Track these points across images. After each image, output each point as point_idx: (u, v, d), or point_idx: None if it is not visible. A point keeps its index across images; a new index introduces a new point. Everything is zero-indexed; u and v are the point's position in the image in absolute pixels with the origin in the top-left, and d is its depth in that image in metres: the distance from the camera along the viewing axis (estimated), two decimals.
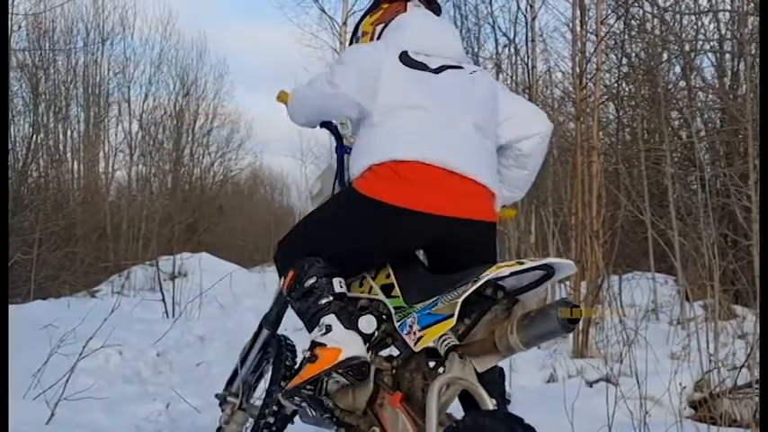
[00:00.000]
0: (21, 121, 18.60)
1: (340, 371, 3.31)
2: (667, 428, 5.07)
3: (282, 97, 4.06)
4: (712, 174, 9.36)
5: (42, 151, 19.43)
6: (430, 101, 3.43)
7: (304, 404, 3.51)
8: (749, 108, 6.82)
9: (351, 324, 3.38)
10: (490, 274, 2.98)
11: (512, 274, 3.02)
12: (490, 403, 3.08)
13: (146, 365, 7.39)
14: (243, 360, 4.36)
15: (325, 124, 4.04)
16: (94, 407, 5.38)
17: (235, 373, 4.41)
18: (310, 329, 3.46)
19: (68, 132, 22.23)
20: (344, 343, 3.32)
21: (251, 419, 4.23)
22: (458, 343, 3.19)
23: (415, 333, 3.16)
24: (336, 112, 3.77)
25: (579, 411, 4.55)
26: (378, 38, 3.83)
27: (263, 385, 4.31)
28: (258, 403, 4.27)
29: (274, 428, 4.02)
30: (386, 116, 3.42)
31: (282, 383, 3.95)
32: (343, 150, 4.06)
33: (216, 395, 4.45)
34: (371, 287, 3.57)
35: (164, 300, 11.39)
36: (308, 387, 3.39)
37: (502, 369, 3.56)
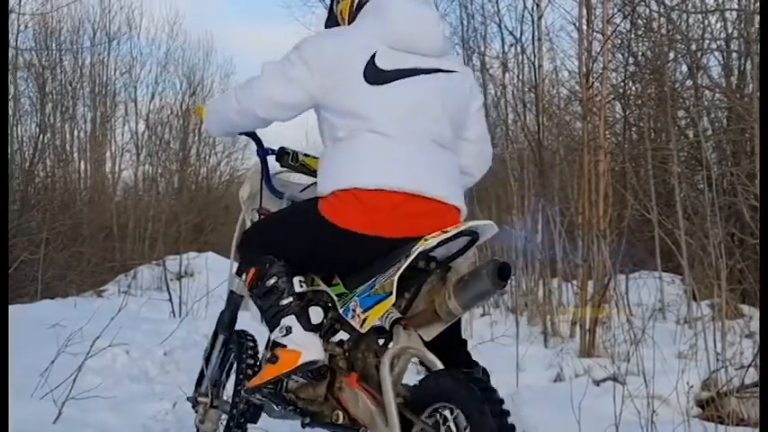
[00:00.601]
0: (28, 120, 18.65)
1: (300, 373, 3.51)
2: (675, 428, 5.06)
3: (198, 111, 4.15)
4: (719, 173, 9.34)
5: (49, 151, 19.45)
6: (394, 124, 3.41)
7: (266, 400, 3.68)
8: (756, 107, 6.80)
9: (310, 326, 3.48)
10: (420, 247, 3.17)
11: (439, 243, 3.21)
12: (439, 364, 3.27)
13: (153, 365, 7.39)
14: (206, 360, 4.50)
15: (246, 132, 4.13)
16: (102, 406, 5.38)
17: (201, 375, 4.54)
18: (271, 329, 3.58)
19: (75, 132, 22.26)
20: (304, 346, 3.43)
21: (224, 415, 4.33)
22: (400, 316, 3.40)
23: (359, 316, 3.35)
24: (262, 115, 3.68)
25: (586, 410, 4.55)
26: (357, 8, 3.73)
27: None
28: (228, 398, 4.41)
29: (247, 420, 4.18)
30: (354, 134, 3.42)
31: (249, 374, 4.11)
32: (264, 153, 4.20)
33: (187, 398, 4.58)
34: (313, 279, 3.72)
35: (170, 299, 11.39)
36: (269, 386, 3.58)
37: (485, 369, 3.64)
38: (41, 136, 18.21)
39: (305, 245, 3.56)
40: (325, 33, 3.77)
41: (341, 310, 3.49)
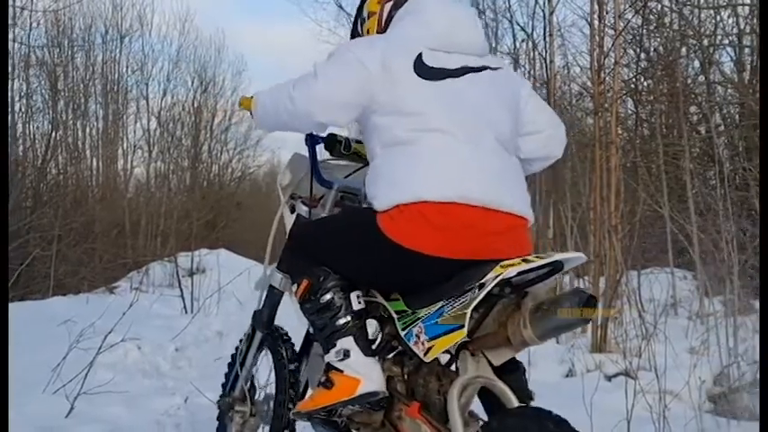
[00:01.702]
0: (40, 117, 18.68)
1: (358, 404, 3.23)
2: (687, 422, 5.06)
3: (244, 103, 3.83)
4: (732, 169, 9.32)
5: (61, 148, 19.50)
6: (452, 121, 3.13)
7: (316, 423, 3.43)
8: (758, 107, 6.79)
9: (370, 350, 3.24)
10: (497, 276, 2.86)
11: (518, 274, 2.90)
12: (514, 398, 3.00)
13: (164, 360, 7.41)
14: (241, 364, 4.15)
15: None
16: (114, 401, 5.39)
17: (235, 378, 4.19)
18: (326, 349, 3.31)
19: (87, 129, 22.31)
20: (364, 374, 3.19)
21: (262, 425, 4.06)
22: (468, 340, 3.06)
23: (423, 344, 3.05)
24: (322, 119, 3.39)
25: (598, 405, 4.54)
26: (386, 22, 3.53)
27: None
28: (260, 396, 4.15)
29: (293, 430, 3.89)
30: (411, 135, 3.13)
31: (291, 393, 3.85)
32: (313, 141, 3.90)
33: (218, 402, 4.24)
34: (369, 290, 3.42)
35: (182, 296, 11.41)
36: (322, 414, 3.30)
37: (522, 365, 3.35)
38: (54, 133, 18.26)
39: (362, 263, 3.27)
40: (367, 38, 3.56)
41: (402, 333, 3.17)
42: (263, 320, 4.02)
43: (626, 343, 7.54)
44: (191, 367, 7.35)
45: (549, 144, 3.60)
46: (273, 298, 3.99)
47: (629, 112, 12.37)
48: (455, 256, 3.02)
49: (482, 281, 2.88)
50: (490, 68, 3.38)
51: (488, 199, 3.05)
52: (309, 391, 3.67)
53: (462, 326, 2.87)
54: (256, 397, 4.17)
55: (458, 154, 3.10)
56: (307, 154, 3.93)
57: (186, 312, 10.89)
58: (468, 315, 2.86)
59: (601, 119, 9.06)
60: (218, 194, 28.75)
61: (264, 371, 4.13)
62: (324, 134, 3.92)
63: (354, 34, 3.76)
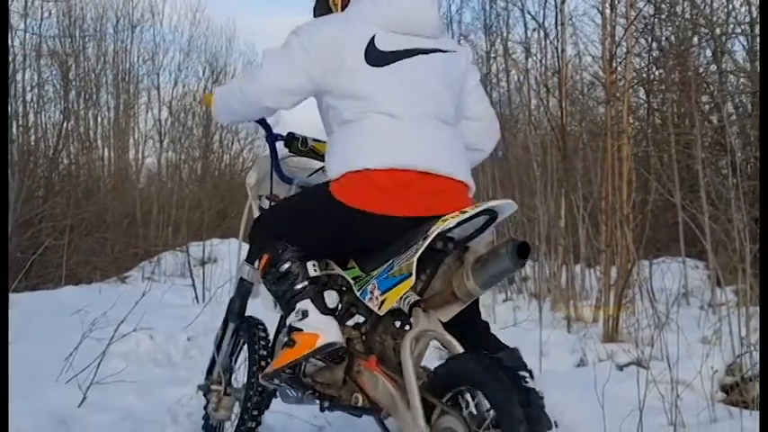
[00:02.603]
0: (52, 107, 18.70)
1: (318, 356, 3.53)
2: (699, 412, 5.06)
3: (206, 99, 4.11)
4: (743, 158, 9.30)
5: (73, 138, 19.53)
6: (397, 103, 3.46)
7: (284, 385, 3.69)
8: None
9: (326, 309, 3.53)
10: (438, 228, 3.16)
11: (458, 224, 3.21)
12: (459, 347, 3.27)
13: (176, 350, 7.41)
14: (218, 348, 4.51)
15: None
16: (126, 390, 5.41)
17: (212, 362, 4.55)
18: (287, 313, 3.60)
19: (99, 119, 22.35)
20: (321, 329, 3.46)
21: (238, 403, 4.37)
22: (419, 298, 3.38)
23: (377, 298, 3.36)
24: (268, 104, 3.71)
25: (609, 395, 4.54)
26: (344, 6, 3.77)
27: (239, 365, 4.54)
28: (240, 385, 4.43)
29: (262, 408, 4.21)
30: (360, 115, 3.46)
31: (262, 364, 4.11)
32: (273, 138, 4.25)
33: (198, 386, 4.59)
34: (327, 263, 3.73)
35: (194, 285, 11.42)
36: (287, 371, 3.59)
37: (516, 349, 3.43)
38: (65, 123, 18.27)
39: (318, 228, 3.58)
40: (322, 18, 3.79)
41: (358, 293, 3.50)
42: (235, 310, 4.39)
43: (638, 332, 7.53)
44: (202, 357, 7.34)
45: (480, 134, 3.94)
46: (243, 289, 4.34)
47: (641, 101, 12.34)
48: (397, 213, 3.35)
49: (425, 234, 3.19)
50: (441, 51, 3.65)
51: (424, 164, 3.39)
52: None
53: (410, 274, 3.18)
54: (233, 381, 4.51)
55: (398, 130, 3.43)
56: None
57: (198, 302, 10.90)
58: (415, 263, 3.16)
59: (612, 108, 9.04)
60: (230, 184, 28.68)
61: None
62: (283, 133, 4.30)
63: (317, 5, 4.00)
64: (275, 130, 4.34)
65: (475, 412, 3.01)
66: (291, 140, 4.27)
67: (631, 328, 7.86)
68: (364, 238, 3.47)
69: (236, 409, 4.38)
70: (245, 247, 4.27)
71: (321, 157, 4.17)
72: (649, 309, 7.89)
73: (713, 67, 10.98)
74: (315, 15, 3.96)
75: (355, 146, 3.44)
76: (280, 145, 4.31)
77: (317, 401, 3.67)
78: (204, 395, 4.53)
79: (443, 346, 3.47)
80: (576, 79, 12.63)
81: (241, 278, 4.33)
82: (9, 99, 15.33)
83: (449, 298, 3.32)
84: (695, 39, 10.87)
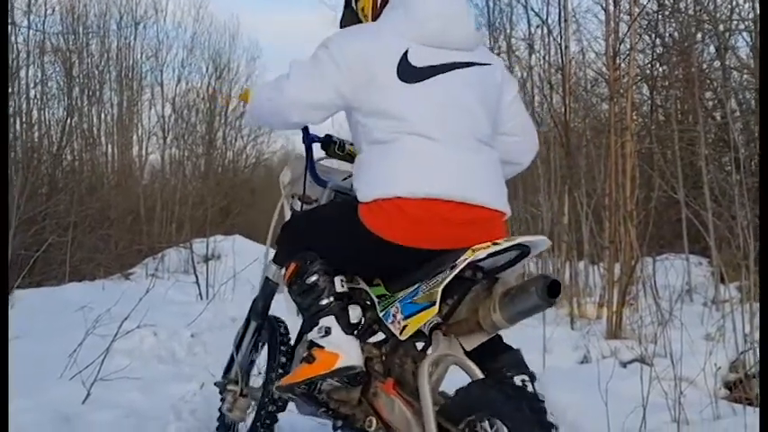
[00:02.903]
0: (55, 104, 18.70)
1: (336, 377, 3.43)
2: (702, 409, 5.06)
3: (243, 96, 3.90)
4: (747, 154, 9.28)
5: (77, 134, 19.51)
6: (431, 123, 3.27)
7: (297, 399, 3.62)
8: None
9: (350, 329, 3.43)
10: (467, 258, 3.06)
11: (488, 256, 3.10)
12: (479, 373, 3.14)
13: (180, 346, 7.42)
14: (237, 347, 4.42)
15: None
16: (130, 387, 5.41)
17: (231, 361, 4.46)
18: (309, 327, 3.51)
19: (102, 116, 22.38)
20: (343, 349, 3.38)
21: (253, 403, 4.29)
22: (441, 322, 3.25)
23: (399, 322, 3.28)
24: (295, 119, 3.57)
25: (613, 392, 4.54)
26: (382, 4, 3.59)
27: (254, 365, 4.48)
28: (256, 385, 4.35)
29: (277, 413, 4.11)
30: (392, 136, 3.28)
31: (280, 370, 4.02)
32: (310, 140, 4.05)
33: (215, 383, 4.52)
34: (353, 277, 3.62)
35: (197, 282, 11.45)
36: (302, 387, 3.49)
37: (518, 350, 3.53)
38: (69, 119, 18.26)
39: (345, 248, 3.47)
40: (353, 30, 3.59)
41: (381, 314, 3.41)
42: (258, 310, 4.31)
43: (641, 329, 7.53)
44: (206, 353, 7.36)
45: (518, 150, 3.74)
46: (268, 289, 4.25)
47: (645, 98, 12.33)
48: (430, 246, 3.23)
49: (454, 263, 3.09)
50: (478, 64, 3.47)
51: (460, 194, 3.23)
52: None
53: (434, 303, 3.09)
54: (251, 382, 4.42)
55: (433, 154, 3.26)
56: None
57: (201, 298, 10.93)
58: (439, 293, 3.07)
59: (616, 105, 9.03)
60: (233, 181, 28.77)
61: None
62: (320, 135, 4.10)
63: (346, 9, 3.84)
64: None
65: None
66: (329, 143, 4.09)
67: (635, 324, 7.86)
68: (391, 267, 3.39)
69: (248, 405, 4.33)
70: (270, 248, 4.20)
71: None
72: (653, 305, 7.89)
73: (717, 64, 10.97)
74: (341, 26, 3.80)
75: (386, 170, 3.27)
76: (316, 146, 4.12)
77: (330, 419, 3.60)
78: (220, 393, 4.47)
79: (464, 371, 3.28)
80: (579, 76, 12.63)
81: (267, 278, 4.23)
82: (12, 96, 15.35)
83: (474, 327, 3.23)
84: (699, 35, 10.87)
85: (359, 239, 3.32)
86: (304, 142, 4.05)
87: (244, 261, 11.57)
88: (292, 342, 4.13)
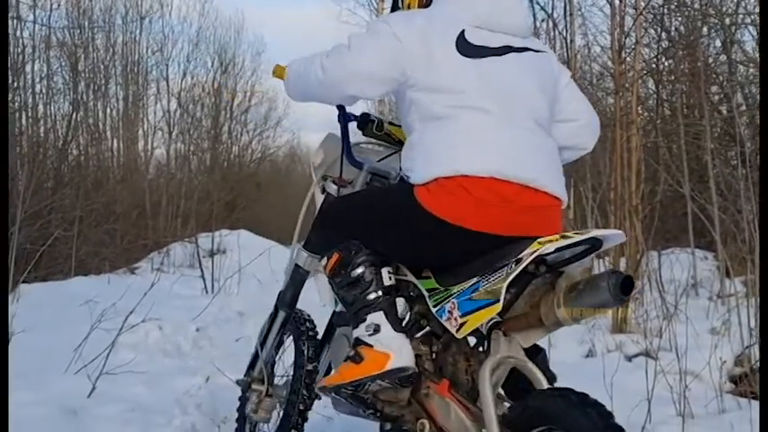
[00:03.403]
0: (61, 99, 18.71)
1: (387, 379, 3.19)
2: (707, 403, 5.07)
3: (278, 72, 3.76)
4: (753, 149, 9.27)
5: (82, 129, 19.50)
6: (492, 99, 3.13)
7: (341, 399, 3.39)
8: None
9: (400, 326, 3.23)
10: (535, 251, 2.84)
11: (556, 250, 2.88)
12: (544, 380, 2.99)
13: (185, 340, 7.43)
14: (262, 343, 4.14)
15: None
16: (135, 381, 5.42)
17: (255, 357, 4.20)
18: (354, 324, 3.30)
19: (108, 110, 22.36)
20: (394, 349, 3.17)
21: (278, 404, 4.09)
22: (500, 320, 3.06)
23: (456, 319, 3.03)
24: (351, 91, 3.38)
25: (618, 385, 4.54)
26: (424, 6, 3.48)
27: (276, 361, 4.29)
28: (280, 382, 4.19)
29: (305, 414, 3.93)
30: (450, 111, 3.13)
31: (308, 366, 3.89)
32: (346, 119, 3.86)
33: (237, 381, 4.27)
34: (398, 267, 3.42)
35: (203, 276, 11.47)
36: (349, 388, 3.27)
37: (543, 348, 3.37)
38: (74, 114, 18.26)
39: (398, 236, 3.26)
40: (408, 12, 3.50)
41: (434, 310, 3.16)
42: (287, 300, 4.02)
43: (647, 323, 7.52)
44: (212, 347, 7.38)
45: (580, 134, 3.61)
46: (298, 277, 3.96)
47: (650, 92, 12.31)
48: (492, 230, 3.02)
49: (519, 256, 2.87)
50: (532, 50, 3.37)
51: (525, 176, 3.06)
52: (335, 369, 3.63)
53: (497, 300, 2.86)
54: (276, 380, 4.18)
55: (496, 131, 3.11)
56: (340, 134, 3.89)
57: (207, 293, 10.94)
58: (504, 289, 2.84)
59: (621, 99, 9.03)
60: (238, 175, 28.80)
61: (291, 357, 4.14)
62: (357, 113, 3.91)
63: (395, 8, 3.74)
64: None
65: None
66: (366, 123, 3.90)
67: (640, 318, 7.85)
68: (450, 253, 3.15)
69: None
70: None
71: (396, 143, 3.88)
72: (658, 300, 7.89)
73: (723, 58, 10.95)
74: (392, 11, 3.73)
75: (446, 146, 3.11)
76: (352, 126, 3.91)
77: (377, 420, 3.41)
78: (243, 392, 4.22)
79: (526, 377, 3.07)
80: (585, 70, 12.60)
81: (297, 265, 3.94)
82: (18, 90, 15.36)
83: (534, 323, 3.03)
84: (705, 29, 10.85)
85: (414, 223, 3.14)
86: (340, 121, 3.85)
87: (249, 255, 11.59)
88: (319, 336, 4.01)
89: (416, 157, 3.19)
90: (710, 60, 11.11)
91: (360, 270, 3.27)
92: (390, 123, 3.93)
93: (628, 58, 9.25)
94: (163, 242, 17.06)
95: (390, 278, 3.31)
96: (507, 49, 3.28)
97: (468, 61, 3.18)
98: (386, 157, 3.93)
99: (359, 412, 3.42)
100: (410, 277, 3.38)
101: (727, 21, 10.05)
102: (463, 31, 3.22)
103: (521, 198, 3.05)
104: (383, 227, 3.31)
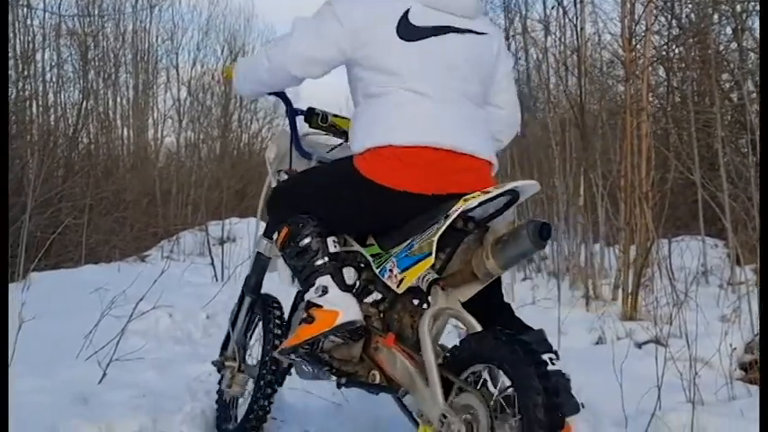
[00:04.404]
0: (71, 87, 18.75)
1: (338, 333, 3.48)
2: (717, 390, 5.06)
3: (227, 72, 4.13)
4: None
5: (92, 117, 19.56)
6: (425, 79, 3.43)
7: (299, 360, 3.65)
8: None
9: (346, 286, 3.53)
10: (459, 207, 3.16)
11: (480, 204, 3.20)
12: (477, 325, 3.26)
13: (196, 327, 7.43)
14: (233, 324, 4.50)
15: (275, 92, 4.14)
16: (145, 367, 5.43)
17: (227, 338, 4.55)
18: (305, 289, 3.59)
19: (118, 99, 22.38)
20: (341, 306, 3.45)
21: (251, 379, 4.37)
22: (438, 276, 3.37)
23: (396, 276, 3.36)
24: (296, 72, 3.64)
25: (628, 372, 4.55)
26: None
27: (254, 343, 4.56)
28: (254, 362, 4.45)
29: (275, 385, 4.20)
30: (385, 90, 3.44)
31: (276, 342, 4.10)
32: (293, 113, 4.21)
33: (212, 362, 4.60)
34: (345, 240, 3.71)
35: (213, 264, 11.47)
36: (305, 347, 3.53)
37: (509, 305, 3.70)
38: (84, 102, 18.31)
39: (340, 204, 3.57)
40: None
41: (377, 271, 3.49)
42: (251, 285, 4.41)
43: (656, 310, 7.52)
44: (221, 334, 7.33)
45: (500, 123, 3.84)
46: (260, 263, 4.36)
47: (661, 79, 12.28)
48: (422, 190, 3.33)
49: (447, 213, 3.19)
50: (474, 32, 3.59)
51: (449, 143, 3.38)
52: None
53: (430, 253, 3.18)
54: (248, 358, 4.51)
55: (424, 107, 3.41)
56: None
57: (217, 280, 10.94)
58: (435, 242, 3.17)
59: (632, 86, 9.00)
60: (248, 163, 28.72)
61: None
62: (303, 108, 4.25)
63: None
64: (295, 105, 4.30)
65: (493, 389, 3.04)
66: (312, 115, 4.22)
67: (650, 306, 7.85)
68: (387, 215, 3.46)
69: (250, 385, 4.39)
70: (263, 225, 4.27)
71: (341, 134, 4.19)
72: (668, 287, 7.88)
73: (733, 45, 10.92)
74: None
75: (381, 120, 3.42)
76: (300, 120, 4.26)
77: (334, 378, 3.64)
78: (218, 371, 4.56)
79: (462, 324, 3.45)
80: (595, 57, 12.56)
81: (258, 252, 4.33)
82: (29, 79, 15.40)
83: (468, 278, 3.31)
84: (715, 16, 10.82)
85: (354, 188, 3.44)
86: (287, 115, 4.21)
87: None
88: (286, 317, 4.24)
89: (356, 130, 3.53)
90: (721, 48, 11.08)
91: (307, 240, 3.57)
92: (335, 116, 4.23)
93: (638, 46, 9.21)
94: (173, 230, 17.08)
95: (335, 246, 3.61)
96: (448, 29, 3.51)
97: (406, 45, 3.43)
98: (334, 147, 4.24)
99: (319, 375, 3.69)
100: (356, 247, 3.67)
101: (738, 8, 10.01)
102: (408, 11, 3.46)
103: (447, 161, 3.36)
104: (327, 196, 3.63)
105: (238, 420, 4.41)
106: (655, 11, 9.95)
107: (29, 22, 15.77)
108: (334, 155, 4.15)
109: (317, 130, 4.29)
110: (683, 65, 11.72)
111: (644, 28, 9.24)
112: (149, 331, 6.66)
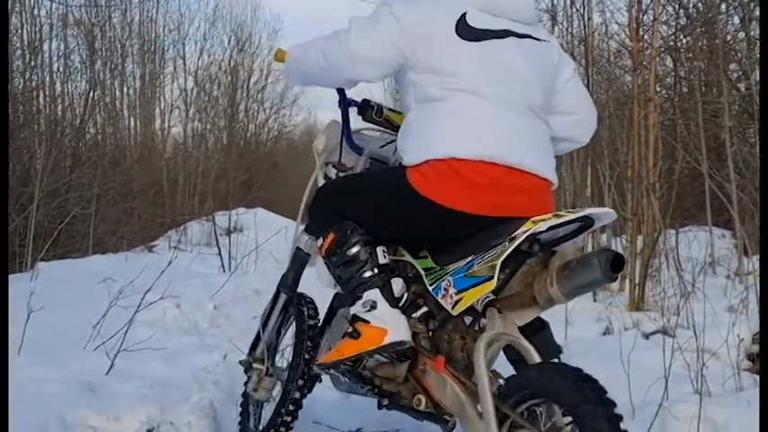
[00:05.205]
0: (78, 77, 18.77)
1: (385, 353, 3.31)
2: (725, 380, 5.06)
3: (279, 56, 3.85)
4: None
5: (99, 108, 19.58)
6: (485, 82, 3.20)
7: (340, 375, 3.50)
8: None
9: (395, 302, 3.31)
10: (528, 230, 2.91)
11: (549, 228, 2.94)
12: (536, 356, 3.05)
13: (203, 318, 7.44)
14: (264, 324, 4.27)
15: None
16: (153, 357, 5.43)
17: (257, 339, 4.31)
18: (351, 302, 3.39)
19: (125, 89, 22.44)
20: (390, 324, 3.25)
21: (279, 383, 4.18)
22: (495, 298, 3.14)
23: (451, 296, 3.13)
24: (351, 74, 3.45)
25: (635, 363, 4.55)
26: None
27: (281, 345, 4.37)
28: (283, 364, 4.28)
29: (304, 391, 4.00)
30: (444, 93, 3.20)
31: (308, 344, 3.96)
32: (346, 104, 3.95)
33: (240, 362, 4.39)
34: (396, 249, 3.50)
35: (220, 254, 11.47)
36: (348, 363, 3.37)
37: (548, 323, 3.41)
38: (91, 93, 18.33)
39: (391, 216, 3.34)
40: None
41: (430, 288, 3.25)
42: (288, 283, 4.15)
43: (664, 301, 7.51)
44: (229, 325, 7.39)
45: (577, 127, 3.65)
46: (299, 260, 4.10)
47: (668, 69, 12.26)
48: (483, 212, 3.10)
49: (513, 235, 2.93)
50: (533, 38, 3.40)
51: (514, 159, 3.13)
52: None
53: (492, 277, 2.94)
54: (277, 361, 4.29)
55: (487, 114, 3.18)
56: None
57: (224, 271, 10.95)
58: (498, 267, 2.92)
59: (639, 77, 8.98)
60: (255, 154, 28.85)
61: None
62: (357, 98, 3.98)
63: None
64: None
65: (544, 425, 2.83)
66: (366, 107, 3.94)
67: (657, 296, 7.84)
68: (443, 233, 3.24)
69: (278, 389, 4.20)
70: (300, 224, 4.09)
71: (395, 129, 3.81)
72: (675, 278, 7.87)
73: (741, 35, 10.89)
74: None
75: (438, 128, 3.19)
76: (352, 111, 4.00)
77: (375, 397, 3.47)
78: (245, 372, 4.34)
79: (519, 353, 3.15)
80: (602, 47, 12.54)
81: (298, 248, 4.09)
82: (36, 69, 15.40)
83: (527, 302, 3.12)
84: (723, 6, 10.80)
85: (407, 205, 3.22)
86: (340, 107, 3.95)
87: (266, 234, 11.62)
88: (320, 320, 4.05)
89: (410, 137, 3.28)
90: (729, 38, 11.05)
91: (355, 249, 3.35)
92: (390, 110, 3.99)
93: (645, 36, 9.19)
94: (180, 220, 17.13)
95: (385, 256, 3.39)
96: (508, 33, 3.32)
97: (465, 44, 3.23)
98: (387, 143, 3.97)
99: (357, 389, 3.53)
100: (407, 257, 3.46)
101: None
102: (465, 14, 3.27)
103: (508, 180, 3.13)
104: (377, 208, 3.39)
105: (260, 426, 4.23)
106: (662, 1, 9.94)
107: (36, 12, 15.77)
108: (388, 150, 3.91)
109: (369, 124, 4.04)
110: (691, 55, 11.70)
111: (651, 18, 9.21)
112: (157, 322, 6.67)
